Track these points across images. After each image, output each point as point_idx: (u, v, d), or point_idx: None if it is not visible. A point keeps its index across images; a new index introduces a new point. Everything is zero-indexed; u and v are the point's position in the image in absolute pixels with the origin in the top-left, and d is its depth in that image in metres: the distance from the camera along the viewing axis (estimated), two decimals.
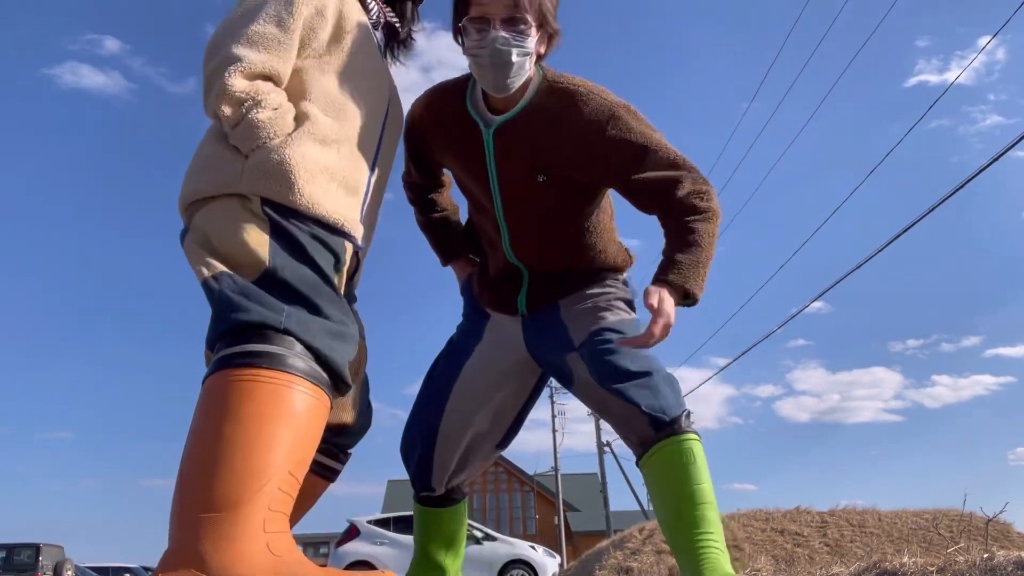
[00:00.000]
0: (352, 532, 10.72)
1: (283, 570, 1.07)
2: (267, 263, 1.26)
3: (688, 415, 1.59)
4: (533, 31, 1.55)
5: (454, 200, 2.00)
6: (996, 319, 50.90)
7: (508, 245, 1.76)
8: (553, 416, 25.73)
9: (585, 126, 1.60)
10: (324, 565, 1.22)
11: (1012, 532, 9.78)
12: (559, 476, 25.56)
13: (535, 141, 1.62)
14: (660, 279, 1.53)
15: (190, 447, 1.16)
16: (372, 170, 1.49)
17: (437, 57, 45.77)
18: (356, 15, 1.50)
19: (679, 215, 1.59)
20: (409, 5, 1.71)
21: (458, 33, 1.58)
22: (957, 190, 7.35)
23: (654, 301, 1.48)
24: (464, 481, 1.91)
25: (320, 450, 1.46)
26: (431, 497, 1.87)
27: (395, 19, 1.68)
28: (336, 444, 1.55)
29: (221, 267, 1.27)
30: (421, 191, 1.96)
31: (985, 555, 1.74)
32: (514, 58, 1.52)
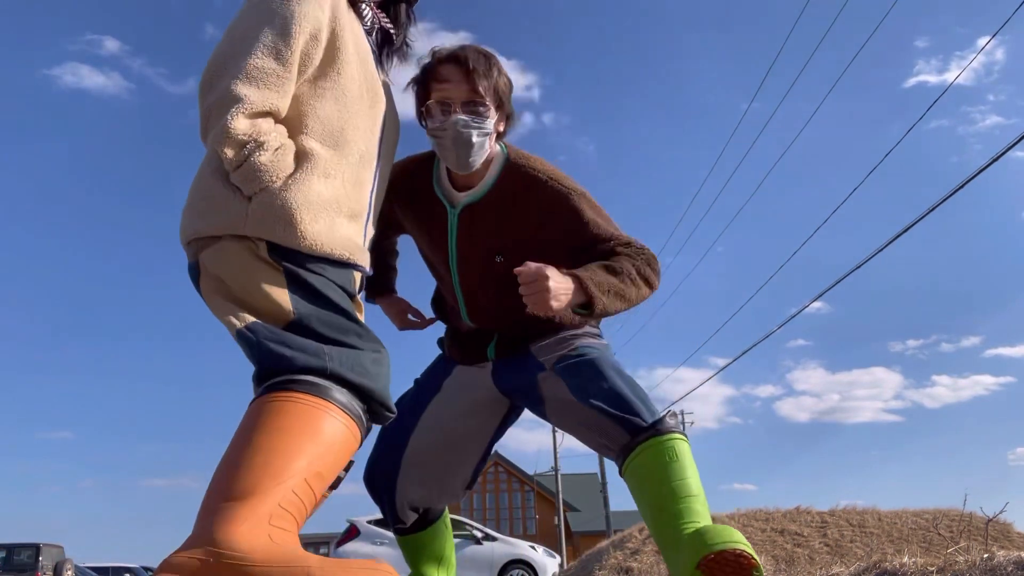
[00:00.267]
0: (352, 532, 10.72)
1: (279, 555, 1.11)
2: (292, 315, 1.30)
3: (669, 416, 1.62)
4: (492, 112, 1.65)
5: (396, 244, 2.06)
6: (996, 319, 50.87)
7: (466, 315, 1.84)
8: None
9: (544, 212, 1.69)
10: None
11: (1012, 532, 9.78)
12: (559, 476, 25.57)
13: (496, 224, 1.71)
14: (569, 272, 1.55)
15: (227, 452, 1.23)
16: (373, 187, 1.51)
17: None
18: (349, 24, 1.48)
19: (621, 257, 1.66)
20: (403, 7, 1.70)
21: (421, 115, 1.69)
22: (957, 190, 7.35)
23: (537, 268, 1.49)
24: (432, 509, 1.92)
25: None
26: (404, 528, 1.90)
27: (389, 24, 1.67)
28: None
29: (251, 317, 1.30)
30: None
31: (985, 555, 1.74)
32: (475, 138, 1.62)
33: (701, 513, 1.51)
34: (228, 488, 1.17)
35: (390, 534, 10.65)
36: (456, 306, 1.85)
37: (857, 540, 8.89)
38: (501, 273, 1.72)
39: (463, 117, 1.61)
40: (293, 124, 1.40)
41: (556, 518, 25.53)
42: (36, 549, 15.95)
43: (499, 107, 1.68)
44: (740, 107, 48.44)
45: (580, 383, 1.68)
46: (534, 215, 1.69)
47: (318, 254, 1.34)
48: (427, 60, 1.70)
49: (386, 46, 1.70)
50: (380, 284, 2.03)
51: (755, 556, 1.40)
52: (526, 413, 1.96)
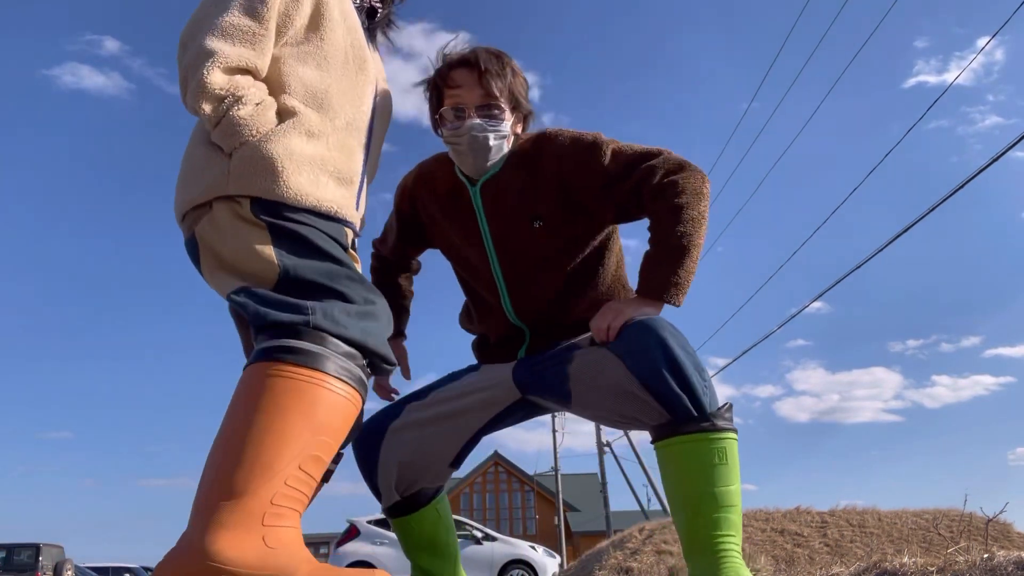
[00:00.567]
0: (352, 532, 10.71)
1: (271, 561, 1.09)
2: (278, 267, 1.25)
3: (728, 408, 1.48)
4: (507, 115, 1.63)
5: (413, 287, 2.03)
6: (996, 319, 50.89)
7: (509, 305, 1.75)
8: (553, 416, 25.71)
9: (563, 160, 1.64)
10: None
11: (1012, 532, 9.77)
12: (559, 476, 25.55)
13: (522, 188, 1.66)
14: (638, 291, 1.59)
15: (217, 436, 1.18)
16: (364, 159, 1.45)
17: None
18: None
19: (654, 214, 1.61)
20: None
21: (436, 122, 1.66)
22: (957, 190, 7.35)
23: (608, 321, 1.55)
24: (421, 489, 1.82)
25: None
26: (393, 506, 1.81)
27: (378, 1, 1.64)
28: None
29: (240, 283, 1.27)
30: (389, 267, 1.97)
31: (985, 555, 1.74)
32: (491, 142, 1.61)
33: (736, 525, 1.45)
34: (219, 485, 1.13)
35: (390, 534, 10.66)
36: (494, 302, 1.77)
37: (857, 540, 8.89)
38: (543, 243, 1.67)
39: (478, 121, 1.59)
40: (274, 86, 1.36)
41: (556, 518, 25.52)
42: (36, 549, 15.95)
43: (515, 108, 1.65)
44: (740, 107, 48.50)
45: (627, 347, 1.49)
46: (554, 167, 1.64)
47: (303, 206, 1.29)
48: (437, 65, 1.67)
49: (372, 23, 1.65)
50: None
51: None
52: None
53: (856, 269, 9.55)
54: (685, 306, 1.57)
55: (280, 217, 1.27)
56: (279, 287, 1.25)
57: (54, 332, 58.09)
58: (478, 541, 11.07)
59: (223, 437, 1.17)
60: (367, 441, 1.79)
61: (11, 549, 15.95)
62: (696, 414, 1.43)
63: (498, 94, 1.60)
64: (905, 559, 2.00)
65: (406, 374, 1.98)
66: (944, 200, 7.60)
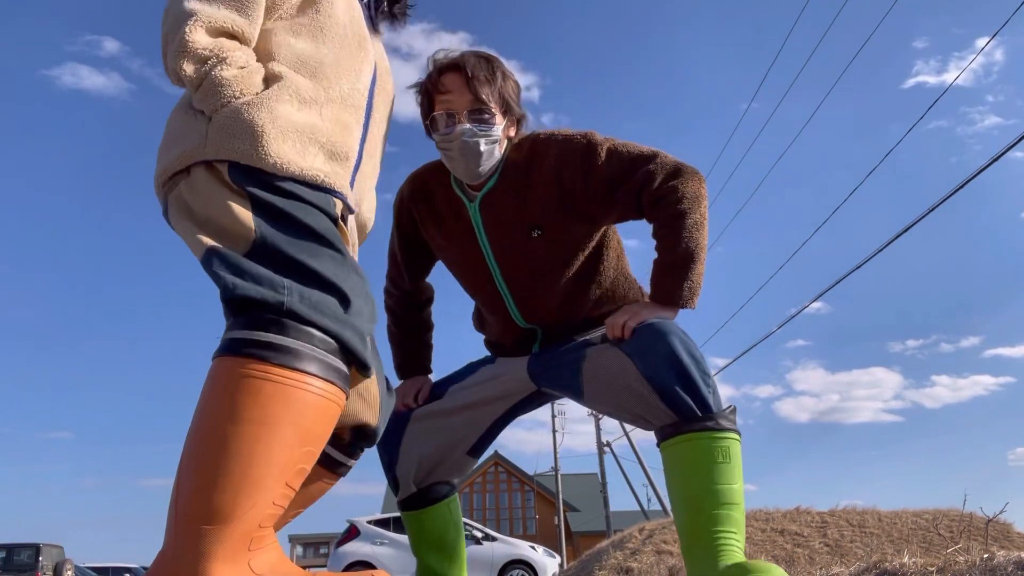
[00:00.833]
0: (352, 532, 10.72)
1: None
2: (254, 233, 1.14)
3: (732, 410, 1.51)
4: (498, 119, 1.63)
5: (432, 317, 2.01)
6: (996, 319, 50.94)
7: (517, 313, 1.78)
8: (553, 416, 25.74)
9: (558, 165, 1.64)
10: (324, 566, 1.20)
11: (1012, 532, 9.76)
12: (559, 476, 25.56)
13: (519, 198, 1.67)
14: (650, 295, 1.64)
15: (190, 441, 1.08)
16: (362, 139, 1.36)
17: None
18: None
19: (656, 221, 1.64)
20: None
21: (428, 128, 1.66)
22: (957, 190, 7.35)
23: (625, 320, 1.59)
24: (437, 482, 1.85)
25: (339, 447, 1.39)
26: (408, 499, 1.84)
27: None
28: (357, 444, 1.43)
29: (211, 241, 1.15)
30: (404, 299, 1.96)
31: (985, 555, 1.74)
32: (482, 147, 1.60)
33: (738, 523, 1.44)
34: (201, 505, 1.04)
35: (390, 534, 10.67)
36: (504, 312, 1.79)
37: (857, 540, 8.88)
38: (543, 253, 1.68)
39: (468, 126, 1.59)
40: (262, 54, 1.28)
41: (556, 518, 25.52)
42: (36, 549, 15.93)
43: (506, 112, 1.65)
44: (740, 107, 48.51)
45: (638, 348, 1.53)
46: (550, 173, 1.64)
47: (286, 173, 1.18)
48: (427, 70, 1.67)
49: (375, 11, 1.58)
50: (416, 366, 1.95)
51: None
52: (528, 414, 1.94)
53: (856, 269, 9.56)
54: None
55: (260, 185, 1.17)
56: (253, 254, 1.14)
57: (54, 332, 58.14)
58: (478, 541, 11.07)
59: (201, 444, 1.07)
60: (390, 429, 1.81)
61: (11, 549, 15.93)
62: (700, 414, 1.47)
63: (488, 99, 1.60)
64: (905, 559, 2.00)
65: (417, 403, 1.90)
66: (944, 200, 7.61)
